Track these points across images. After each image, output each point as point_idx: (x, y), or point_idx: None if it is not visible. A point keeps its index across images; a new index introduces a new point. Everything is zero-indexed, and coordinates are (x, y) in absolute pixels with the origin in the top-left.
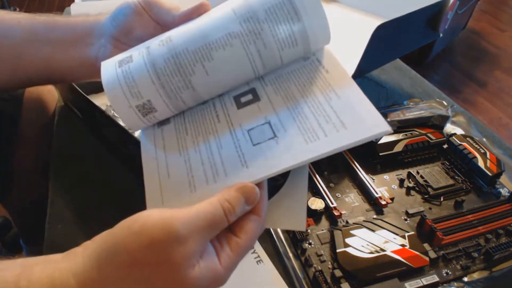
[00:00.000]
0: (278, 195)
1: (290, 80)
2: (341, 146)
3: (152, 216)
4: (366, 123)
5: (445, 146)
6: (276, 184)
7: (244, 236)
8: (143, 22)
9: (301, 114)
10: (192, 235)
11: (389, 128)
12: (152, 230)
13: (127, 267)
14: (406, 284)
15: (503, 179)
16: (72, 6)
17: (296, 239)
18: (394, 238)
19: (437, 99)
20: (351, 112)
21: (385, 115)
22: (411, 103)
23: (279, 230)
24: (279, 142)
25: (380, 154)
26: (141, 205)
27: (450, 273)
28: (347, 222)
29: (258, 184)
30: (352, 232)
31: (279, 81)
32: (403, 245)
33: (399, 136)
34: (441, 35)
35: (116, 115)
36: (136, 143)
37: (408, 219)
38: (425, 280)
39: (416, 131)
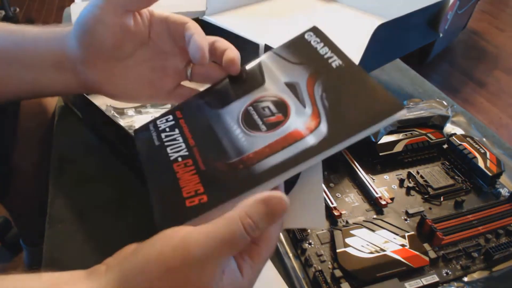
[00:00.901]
0: (293, 192)
1: None
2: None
3: (170, 241)
4: None
5: (445, 146)
6: (289, 180)
7: (263, 242)
8: (110, 32)
9: None
10: (209, 259)
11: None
12: (169, 257)
13: None
14: (406, 284)
15: (503, 179)
16: (72, 6)
17: (296, 239)
18: (394, 238)
19: (437, 99)
20: None
21: None
22: (411, 103)
23: None
24: None
25: (380, 154)
26: (141, 205)
27: (450, 273)
28: (347, 222)
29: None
30: (352, 232)
31: None
32: (403, 245)
33: (399, 136)
34: (441, 35)
35: (116, 115)
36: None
37: (408, 219)
38: (425, 280)
39: (416, 131)
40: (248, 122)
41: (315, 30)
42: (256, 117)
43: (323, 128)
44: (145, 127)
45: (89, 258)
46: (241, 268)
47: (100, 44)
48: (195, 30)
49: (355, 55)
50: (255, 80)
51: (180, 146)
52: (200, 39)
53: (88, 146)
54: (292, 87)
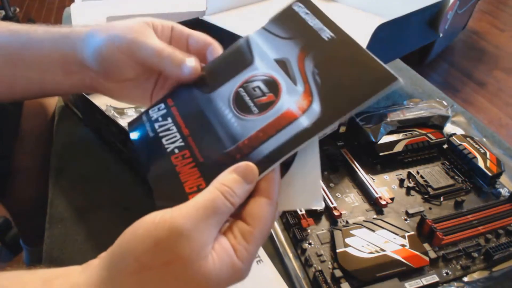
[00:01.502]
0: (289, 174)
1: None
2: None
3: (154, 218)
4: None
5: (445, 146)
6: (285, 161)
7: (256, 223)
8: (129, 68)
9: None
10: (195, 227)
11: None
12: (155, 231)
13: (136, 273)
14: (406, 284)
15: (503, 179)
16: (72, 6)
17: (296, 239)
18: (394, 238)
19: (437, 99)
20: None
21: (385, 115)
22: (411, 103)
23: (279, 230)
24: None
25: (380, 154)
26: (140, 205)
27: (450, 273)
28: (347, 222)
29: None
30: (352, 232)
31: None
32: (403, 245)
33: (399, 136)
34: (441, 35)
35: (116, 115)
36: None
37: (408, 219)
38: (425, 280)
39: (416, 131)
40: (240, 104)
41: (303, 0)
42: (247, 98)
43: (316, 107)
44: (139, 118)
45: (89, 258)
46: (235, 249)
47: (120, 73)
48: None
49: None
50: (244, 59)
51: (175, 137)
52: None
53: (88, 146)
54: (282, 64)
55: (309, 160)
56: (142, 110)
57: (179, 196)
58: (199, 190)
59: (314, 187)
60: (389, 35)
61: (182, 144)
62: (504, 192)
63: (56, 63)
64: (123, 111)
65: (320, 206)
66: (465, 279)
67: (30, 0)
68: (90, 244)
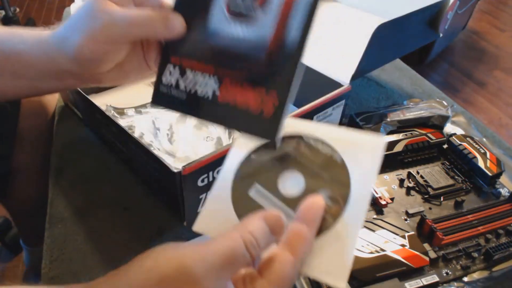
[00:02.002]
0: (323, 238)
1: None
2: None
3: (165, 252)
4: None
5: (445, 146)
6: (324, 224)
7: (273, 278)
8: (112, 54)
9: None
10: (207, 275)
11: None
12: (163, 267)
13: None
14: (406, 284)
15: (503, 179)
16: (72, 6)
17: None
18: (394, 238)
19: (437, 99)
20: None
21: (385, 115)
22: (411, 103)
23: None
24: None
25: None
26: (140, 205)
27: (450, 273)
28: None
29: (309, 218)
30: None
31: None
32: (403, 245)
33: (399, 136)
34: (441, 35)
35: (116, 115)
36: (136, 143)
37: (408, 219)
38: (425, 280)
39: (416, 131)
40: (240, 16)
41: None
42: (242, 7)
43: None
44: (158, 93)
45: (89, 258)
46: None
47: (110, 61)
48: None
49: (355, 55)
50: None
51: (206, 80)
52: None
53: (88, 146)
54: None
55: (350, 232)
56: (142, 110)
57: (254, 122)
58: (263, 102)
59: (344, 264)
60: (389, 35)
61: (217, 80)
62: (504, 192)
63: (43, 73)
64: (123, 111)
65: (341, 286)
66: (465, 279)
67: (30, 0)
68: (90, 244)
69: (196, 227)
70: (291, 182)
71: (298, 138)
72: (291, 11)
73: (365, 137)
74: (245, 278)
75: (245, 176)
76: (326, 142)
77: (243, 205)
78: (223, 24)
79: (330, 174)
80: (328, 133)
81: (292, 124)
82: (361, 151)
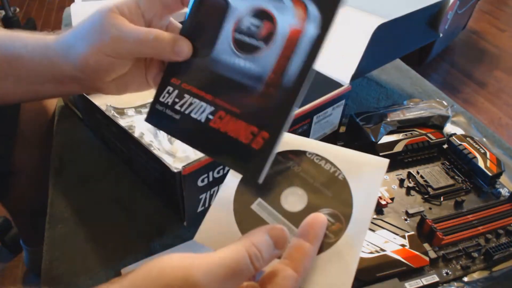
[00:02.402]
0: (324, 255)
1: None
2: None
3: (172, 262)
4: None
5: (445, 146)
6: (326, 241)
7: None
8: (117, 66)
9: None
10: (211, 285)
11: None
12: (169, 276)
13: None
14: (406, 284)
15: (503, 179)
16: (72, 6)
17: None
18: (394, 238)
19: (437, 99)
20: None
21: (385, 115)
22: (411, 103)
23: None
24: None
25: (380, 154)
26: (140, 205)
27: (450, 273)
28: None
29: (312, 237)
30: None
31: None
32: (403, 245)
33: (399, 136)
34: (441, 35)
35: (116, 115)
36: (136, 143)
37: (408, 219)
38: (425, 280)
39: (416, 131)
40: (244, 48)
41: None
42: (247, 39)
43: (313, 10)
44: (154, 110)
45: (89, 258)
46: None
47: (112, 74)
48: None
49: (355, 55)
50: (218, 7)
51: (202, 106)
52: None
53: (88, 146)
54: None
55: (350, 251)
56: (142, 110)
57: (243, 150)
58: (255, 135)
59: (344, 282)
60: (389, 35)
61: (213, 108)
62: (504, 192)
63: (45, 77)
64: (123, 111)
65: None
66: (465, 279)
67: (30, 0)
68: (90, 244)
69: (198, 237)
70: (294, 198)
71: (301, 154)
72: (295, 47)
73: (369, 158)
74: None
75: (247, 190)
76: (330, 160)
77: (245, 218)
78: (227, 53)
79: (333, 191)
80: (331, 151)
81: (295, 140)
82: (364, 171)
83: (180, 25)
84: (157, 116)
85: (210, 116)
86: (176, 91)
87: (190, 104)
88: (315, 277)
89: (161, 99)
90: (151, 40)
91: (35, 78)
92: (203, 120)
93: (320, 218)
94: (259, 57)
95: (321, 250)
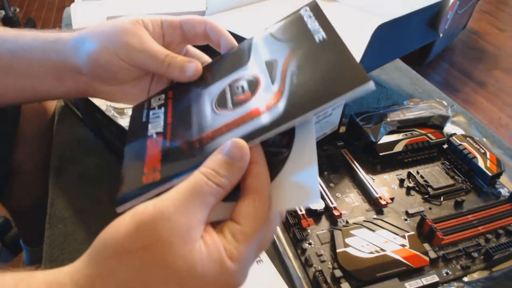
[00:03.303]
0: (284, 171)
1: None
2: None
3: (137, 207)
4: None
5: (445, 146)
6: (279, 158)
7: (246, 221)
8: (126, 72)
9: None
10: (177, 208)
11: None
12: (137, 216)
13: (116, 257)
14: (406, 284)
15: (503, 179)
16: (72, 6)
17: (296, 239)
18: (394, 238)
19: (437, 99)
20: None
21: (385, 115)
22: (411, 103)
23: (279, 230)
24: None
25: (380, 154)
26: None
27: (450, 273)
28: (347, 222)
29: (253, 159)
30: (352, 232)
31: None
32: (403, 245)
33: (399, 136)
34: (441, 35)
35: (116, 115)
36: None
37: (408, 219)
38: (425, 280)
39: (416, 131)
40: (220, 101)
41: (312, 5)
42: (228, 96)
43: (281, 106)
44: (142, 104)
45: None
46: (225, 248)
47: (117, 78)
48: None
49: (355, 55)
50: (241, 60)
51: (159, 124)
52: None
53: (88, 146)
54: (270, 65)
55: (306, 155)
56: None
57: (136, 177)
58: (153, 171)
59: (311, 184)
60: (389, 35)
61: (161, 130)
62: (504, 192)
63: (47, 71)
64: (123, 111)
65: (317, 202)
66: (465, 279)
67: (30, 0)
68: (90, 244)
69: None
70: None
71: None
72: (245, 122)
73: None
74: (223, 229)
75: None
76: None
77: None
78: (208, 99)
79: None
80: None
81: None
82: None
83: (198, 52)
84: (139, 110)
85: (154, 135)
86: (162, 102)
87: (157, 117)
88: (282, 195)
89: (152, 100)
90: (165, 57)
91: (36, 73)
92: (148, 134)
93: (240, 142)
94: (219, 115)
95: (277, 172)
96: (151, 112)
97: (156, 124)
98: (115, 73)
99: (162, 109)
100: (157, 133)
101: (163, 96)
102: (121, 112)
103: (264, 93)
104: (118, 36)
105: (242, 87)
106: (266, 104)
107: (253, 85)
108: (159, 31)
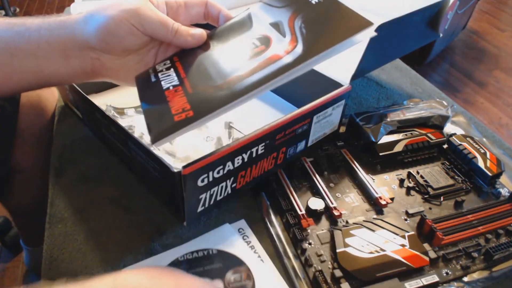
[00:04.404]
0: None
1: None
2: None
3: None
4: None
5: (445, 146)
6: None
7: None
8: (135, 38)
9: None
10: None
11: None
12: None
13: None
14: (406, 284)
15: (503, 179)
16: (72, 5)
17: (296, 239)
18: (394, 238)
19: (437, 99)
20: None
21: (385, 115)
22: (411, 103)
23: (279, 230)
24: None
25: (380, 154)
26: (140, 205)
27: (450, 273)
28: (347, 222)
29: None
30: (352, 232)
31: None
32: (403, 245)
33: (399, 136)
34: (441, 35)
35: (116, 115)
36: (136, 143)
37: (408, 219)
38: (425, 280)
39: (416, 131)
40: (236, 55)
41: None
42: (241, 51)
43: (299, 49)
44: (145, 72)
45: (89, 258)
46: None
47: (125, 44)
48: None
49: (355, 55)
50: (244, 26)
51: (173, 79)
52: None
53: (88, 146)
54: (276, 25)
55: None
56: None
57: (166, 118)
58: (183, 111)
59: None
60: (389, 35)
61: (177, 83)
62: (504, 192)
63: (54, 49)
64: (123, 111)
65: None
66: (465, 279)
67: (30, 0)
68: (90, 244)
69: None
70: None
71: None
72: (267, 65)
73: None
74: None
75: None
76: None
77: None
78: (220, 56)
79: None
80: None
81: None
82: None
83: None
84: (144, 76)
85: (171, 87)
86: (169, 65)
87: (168, 75)
88: None
89: (156, 66)
90: (173, 24)
91: (43, 53)
92: (164, 87)
93: None
94: (237, 64)
95: None
96: (159, 74)
97: (170, 80)
98: (124, 39)
99: (171, 69)
100: (174, 86)
101: (167, 61)
102: (121, 112)
103: (278, 44)
104: (130, 5)
105: (254, 43)
106: (284, 50)
107: (265, 40)
108: (164, 8)
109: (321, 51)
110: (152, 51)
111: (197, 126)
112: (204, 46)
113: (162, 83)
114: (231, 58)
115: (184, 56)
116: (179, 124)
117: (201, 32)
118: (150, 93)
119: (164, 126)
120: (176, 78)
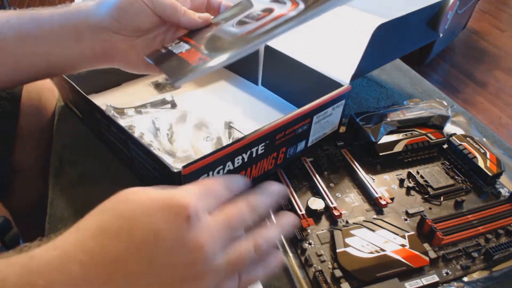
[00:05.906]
0: None
1: None
2: None
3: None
4: None
5: (445, 146)
6: None
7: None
8: (146, 17)
9: None
10: (192, 198)
11: None
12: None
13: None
14: (406, 284)
15: (503, 179)
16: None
17: (296, 239)
18: (394, 238)
19: (437, 99)
20: None
21: (385, 115)
22: (411, 103)
23: None
24: None
25: (380, 154)
26: None
27: (450, 273)
28: (347, 222)
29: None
30: (352, 232)
31: None
32: (403, 245)
33: (399, 136)
34: (441, 35)
35: (116, 115)
36: (136, 143)
37: (408, 219)
38: (425, 280)
39: (416, 131)
40: (241, 23)
41: None
42: (247, 19)
43: (301, 5)
44: (156, 50)
45: None
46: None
47: (137, 23)
48: None
49: (355, 55)
50: (245, 7)
51: (184, 46)
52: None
53: (88, 146)
54: (275, 1)
55: None
56: (142, 110)
57: (184, 64)
58: (200, 59)
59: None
60: (389, 35)
61: (190, 47)
62: (504, 192)
63: (67, 33)
64: (123, 111)
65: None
66: (465, 279)
67: (30, 0)
68: None
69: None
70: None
71: None
72: (272, 21)
73: None
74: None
75: None
76: None
77: None
78: (227, 27)
79: None
80: None
81: None
82: None
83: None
84: (155, 53)
85: (183, 50)
86: (180, 42)
87: (179, 46)
88: None
89: (166, 44)
90: (181, 6)
91: (55, 37)
92: (176, 52)
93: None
94: (245, 25)
95: None
96: (170, 48)
97: (182, 47)
98: (135, 17)
99: (181, 42)
100: (186, 49)
101: (177, 40)
102: (120, 112)
103: (281, 8)
104: None
105: (257, 13)
106: (287, 9)
107: (268, 9)
108: None
109: (322, 3)
110: (159, 36)
111: (214, 69)
112: (210, 25)
113: (174, 50)
114: (238, 24)
115: (194, 34)
116: (197, 66)
117: (207, 14)
118: (165, 58)
119: (183, 71)
120: (187, 45)
